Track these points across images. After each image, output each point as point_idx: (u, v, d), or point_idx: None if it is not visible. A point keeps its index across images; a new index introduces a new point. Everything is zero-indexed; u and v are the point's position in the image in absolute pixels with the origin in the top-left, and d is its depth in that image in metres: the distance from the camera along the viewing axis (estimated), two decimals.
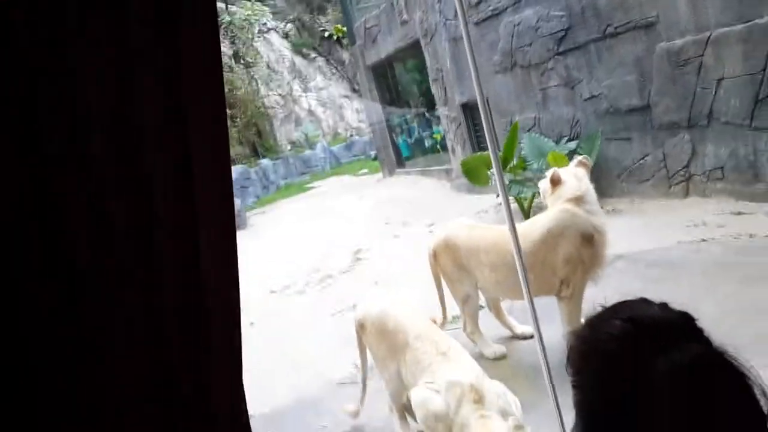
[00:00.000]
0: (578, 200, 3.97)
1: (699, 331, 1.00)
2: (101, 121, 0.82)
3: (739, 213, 6.08)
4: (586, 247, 3.91)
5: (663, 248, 5.68)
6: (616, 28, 7.20)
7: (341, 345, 5.50)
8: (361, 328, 3.66)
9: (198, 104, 0.89)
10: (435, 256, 4.49)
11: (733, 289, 4.38)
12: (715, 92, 6.32)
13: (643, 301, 1.04)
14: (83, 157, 0.80)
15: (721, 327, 3.73)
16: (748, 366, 0.95)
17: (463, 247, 4.32)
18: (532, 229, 4.07)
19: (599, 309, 1.08)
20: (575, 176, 4.08)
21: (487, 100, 10.09)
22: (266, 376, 5.31)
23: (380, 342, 3.44)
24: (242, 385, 1.05)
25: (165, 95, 0.87)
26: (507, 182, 8.25)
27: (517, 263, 1.77)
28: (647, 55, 6.97)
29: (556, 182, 4.09)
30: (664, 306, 1.02)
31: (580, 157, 4.37)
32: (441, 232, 4.61)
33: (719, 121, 6.38)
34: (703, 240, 5.61)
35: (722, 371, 0.95)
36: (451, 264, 4.41)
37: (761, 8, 5.71)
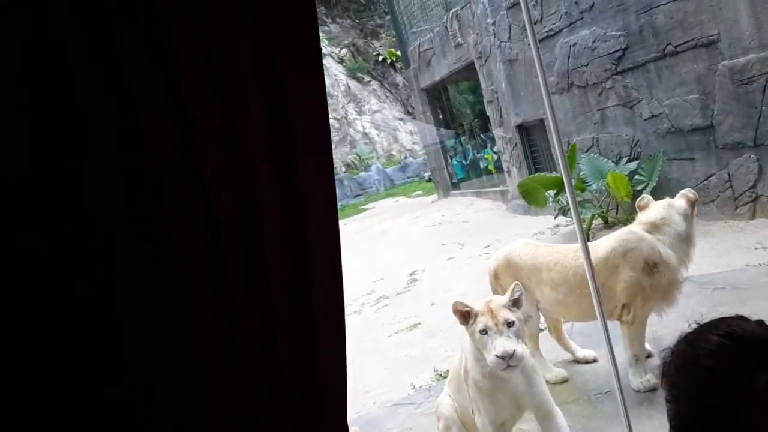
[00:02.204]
0: (652, 226, 3.88)
1: None
2: (214, 157, 0.90)
3: None
4: (648, 275, 3.79)
5: (730, 271, 5.49)
6: (676, 46, 7.08)
7: (398, 366, 5.52)
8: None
9: (306, 136, 0.96)
10: (496, 275, 4.47)
11: None
12: None
13: (740, 318, 1.05)
14: (197, 174, 0.88)
15: None
16: None
17: (525, 267, 4.29)
18: (596, 249, 4.00)
19: (695, 325, 1.10)
20: (665, 205, 3.97)
21: (542, 121, 10.04)
22: None
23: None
24: (346, 385, 1.10)
25: (273, 128, 0.94)
26: (565, 204, 8.16)
27: (590, 282, 1.78)
28: (709, 74, 6.81)
29: (642, 207, 4.05)
30: (761, 323, 1.02)
31: (685, 190, 4.13)
32: (502, 251, 4.59)
33: None
34: None
35: None
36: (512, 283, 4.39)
37: None
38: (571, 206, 1.66)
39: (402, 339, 6.21)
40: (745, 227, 6.68)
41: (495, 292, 4.61)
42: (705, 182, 7.27)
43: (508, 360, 2.71)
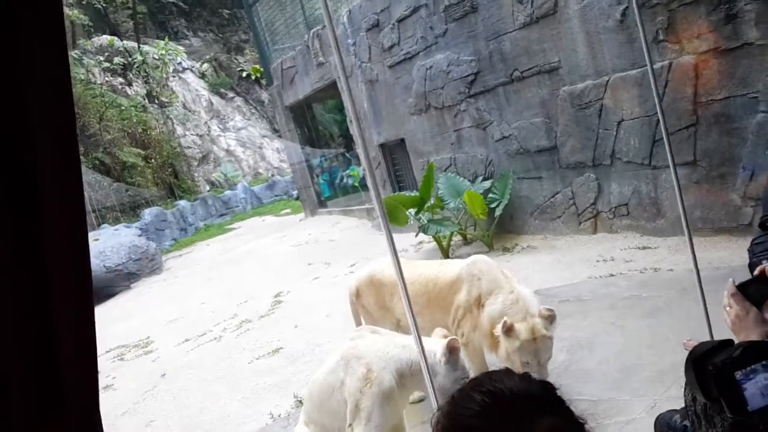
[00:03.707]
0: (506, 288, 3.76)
1: (559, 402, 1.00)
2: None
3: (644, 247, 6.37)
4: (477, 308, 3.80)
5: (574, 284, 5.85)
6: (522, 72, 7.51)
7: (257, 394, 5.31)
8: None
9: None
10: (357, 293, 4.42)
11: (639, 322, 4.55)
12: (616, 133, 6.66)
13: (505, 373, 1.06)
14: None
15: (627, 359, 3.85)
16: None
17: (389, 283, 4.26)
18: (454, 266, 4.08)
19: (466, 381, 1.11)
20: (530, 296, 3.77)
21: (404, 141, 10.27)
22: (176, 429, 5.04)
23: None
24: None
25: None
26: (426, 222, 8.35)
27: (403, 297, 1.77)
28: (552, 99, 7.29)
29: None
30: (525, 377, 1.03)
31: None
32: (365, 269, 4.55)
33: (621, 160, 6.72)
34: (611, 275, 5.82)
35: None
36: (374, 302, 4.36)
37: (653, 54, 6.10)
38: (374, 199, 1.64)
39: (263, 365, 5.99)
40: (588, 241, 7.19)
41: (355, 311, 4.57)
42: (552, 200, 7.74)
43: None
